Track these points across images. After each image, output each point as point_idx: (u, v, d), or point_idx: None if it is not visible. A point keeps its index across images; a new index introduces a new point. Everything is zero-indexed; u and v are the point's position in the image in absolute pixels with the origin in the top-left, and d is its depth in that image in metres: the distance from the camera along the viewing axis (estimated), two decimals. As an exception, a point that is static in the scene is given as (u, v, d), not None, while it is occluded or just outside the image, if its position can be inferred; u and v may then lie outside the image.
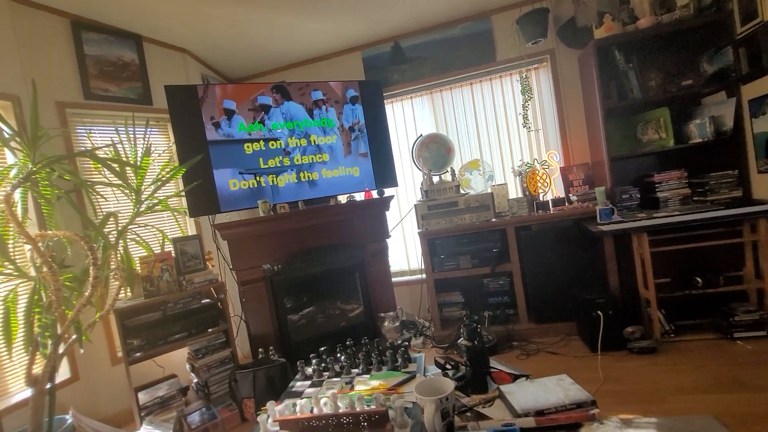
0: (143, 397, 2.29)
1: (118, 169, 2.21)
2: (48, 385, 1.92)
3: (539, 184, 2.95)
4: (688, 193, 2.66)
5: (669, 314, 2.49)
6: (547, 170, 2.97)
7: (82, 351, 2.19)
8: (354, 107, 3.02)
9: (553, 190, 3.00)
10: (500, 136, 3.30)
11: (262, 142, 2.74)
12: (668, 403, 1.85)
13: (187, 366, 2.57)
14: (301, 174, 2.85)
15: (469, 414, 1.10)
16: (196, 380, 2.49)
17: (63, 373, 2.32)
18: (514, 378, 1.25)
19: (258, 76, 3.69)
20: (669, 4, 2.64)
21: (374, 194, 2.93)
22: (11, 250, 1.93)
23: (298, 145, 2.84)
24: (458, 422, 1.05)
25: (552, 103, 3.16)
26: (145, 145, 2.38)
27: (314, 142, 2.89)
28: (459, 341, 1.28)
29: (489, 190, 3.01)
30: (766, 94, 2.30)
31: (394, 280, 3.11)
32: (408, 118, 3.50)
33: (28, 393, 1.98)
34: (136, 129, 2.41)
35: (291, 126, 2.83)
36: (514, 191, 3.17)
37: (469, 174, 3.15)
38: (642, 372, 2.17)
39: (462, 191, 3.02)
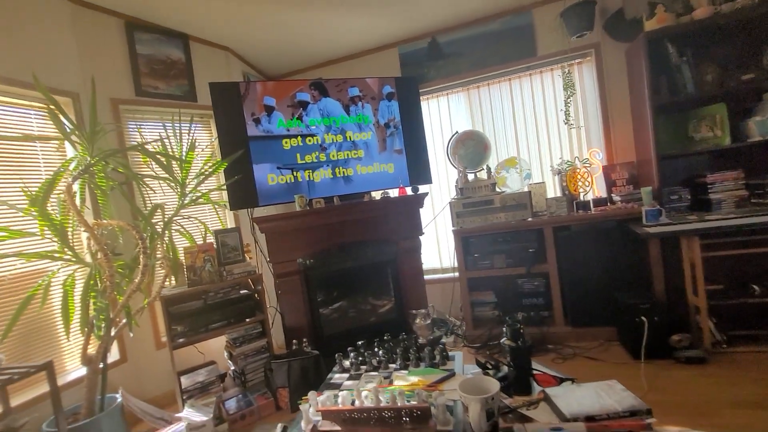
0: (185, 381, 2.40)
1: (165, 162, 2.32)
2: (101, 365, 2.05)
3: (580, 183, 2.85)
4: (745, 195, 2.48)
5: (721, 323, 2.34)
6: (588, 169, 2.86)
7: (131, 335, 2.32)
8: (390, 103, 3.01)
9: (594, 189, 2.89)
10: (539, 133, 3.21)
11: (299, 138, 2.79)
12: (722, 417, 1.75)
13: (226, 353, 2.67)
14: (337, 170, 2.88)
15: (511, 416, 1.08)
16: (233, 367, 2.58)
17: (113, 354, 2.46)
18: (560, 381, 1.21)
19: (296, 73, 3.75)
20: (729, -7, 2.47)
21: (408, 191, 2.92)
22: (70, 237, 2.06)
23: (334, 141, 2.87)
24: (501, 423, 1.03)
25: (595, 99, 3.04)
26: (189, 140, 2.48)
27: (350, 138, 2.91)
28: (502, 341, 1.25)
29: (526, 189, 2.93)
30: (840, 88, 2.11)
31: (426, 277, 3.09)
32: (444, 115, 3.46)
33: (82, 372, 2.11)
34: (182, 125, 2.52)
35: (328, 122, 2.86)
36: (553, 190, 3.07)
37: (506, 172, 3.08)
38: (690, 383, 2.06)
39: (498, 189, 2.96)
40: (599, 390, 1.09)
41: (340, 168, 2.89)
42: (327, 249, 2.76)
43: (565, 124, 3.05)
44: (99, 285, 2.07)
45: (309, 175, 2.81)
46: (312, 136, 2.82)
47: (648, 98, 2.57)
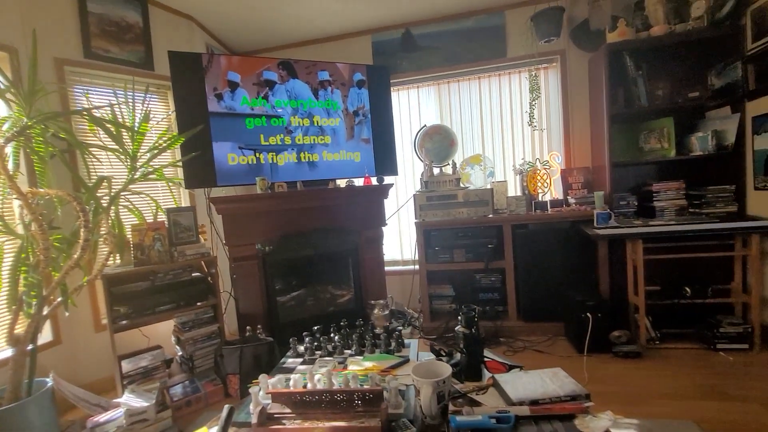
0: (126, 365, 2.26)
1: (114, 131, 2.15)
2: (30, 347, 1.88)
3: (539, 184, 2.96)
4: (684, 205, 2.69)
5: (655, 321, 2.52)
6: (547, 171, 2.98)
7: (67, 314, 2.15)
8: (360, 91, 2.97)
9: (552, 191, 3.01)
10: (504, 133, 3.30)
11: (264, 118, 2.69)
12: (650, 406, 1.89)
13: (173, 338, 2.54)
14: (302, 154, 2.81)
15: (461, 400, 1.10)
16: (180, 353, 2.46)
17: (45, 335, 2.27)
18: (509, 368, 1.25)
19: (263, 52, 3.61)
20: (683, 14, 2.64)
21: (374, 181, 2.91)
22: (-1, 205, 1.87)
23: (301, 124, 2.80)
24: (452, 407, 1.05)
25: (558, 104, 3.16)
26: (144, 111, 2.32)
27: (317, 123, 2.84)
28: (456, 328, 1.27)
29: (489, 186, 3.01)
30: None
31: (386, 269, 3.10)
32: (413, 107, 3.47)
33: (9, 353, 1.93)
34: (136, 94, 2.35)
35: (295, 104, 2.78)
36: (514, 189, 3.17)
37: (470, 168, 3.15)
38: (626, 375, 2.21)
39: (462, 185, 3.01)
40: (544, 377, 1.13)
41: (306, 153, 2.82)
42: (287, 235, 2.69)
43: (529, 125, 3.15)
44: (31, 259, 1.90)
45: (272, 158, 2.72)
46: (277, 117, 2.72)
47: (606, 107, 2.71)
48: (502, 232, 2.83)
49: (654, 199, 2.72)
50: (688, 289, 2.48)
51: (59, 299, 1.98)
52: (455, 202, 2.90)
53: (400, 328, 1.71)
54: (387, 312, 2.80)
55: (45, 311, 1.91)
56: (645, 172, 2.93)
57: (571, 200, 2.93)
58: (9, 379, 1.81)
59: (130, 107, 2.29)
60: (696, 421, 1.74)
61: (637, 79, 2.71)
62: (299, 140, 2.79)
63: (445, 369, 1.05)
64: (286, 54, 3.51)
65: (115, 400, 2.04)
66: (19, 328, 1.88)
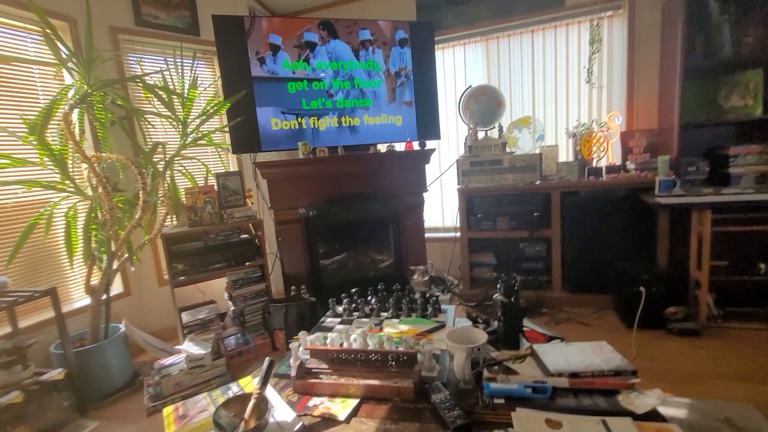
0: (186, 317, 2.48)
1: (165, 98, 2.24)
2: (104, 297, 2.11)
3: (594, 148, 2.73)
4: (766, 171, 2.37)
5: (719, 299, 2.32)
6: (605, 134, 2.73)
7: (132, 269, 2.37)
8: (402, 50, 2.84)
9: (609, 155, 2.78)
10: (557, 92, 3.04)
11: (305, 82, 2.67)
12: (705, 387, 1.78)
13: (226, 294, 2.74)
14: (343, 119, 2.78)
15: (497, 368, 1.09)
16: (233, 308, 2.65)
17: (116, 287, 2.54)
18: (549, 339, 1.21)
19: (304, 12, 3.53)
20: (790, -59, 2.20)
21: (415, 146, 2.84)
22: (70, 169, 2.04)
23: (342, 87, 2.75)
24: (486, 374, 1.04)
25: (623, 58, 2.83)
26: (192, 77, 2.38)
27: (358, 86, 2.78)
28: (495, 296, 1.24)
29: (537, 151, 2.83)
30: None
31: (427, 235, 3.08)
32: (459, 67, 3.28)
33: (87, 301, 2.18)
34: (184, 60, 2.41)
35: (336, 67, 2.72)
36: (565, 154, 2.96)
37: (518, 132, 2.96)
38: (679, 353, 2.08)
39: (508, 150, 2.85)
40: (587, 349, 1.08)
41: (347, 117, 2.79)
42: (329, 199, 2.73)
43: (587, 83, 2.87)
44: (100, 218, 2.09)
45: (314, 123, 2.72)
46: (318, 80, 2.69)
47: (680, 58, 2.39)
48: (550, 199, 2.68)
49: (730, 164, 2.42)
50: (762, 266, 2.24)
51: (125, 255, 2.18)
52: (500, 167, 2.77)
53: (438, 294, 1.71)
54: (427, 278, 2.81)
55: (114, 266, 2.12)
56: (721, 134, 2.59)
57: (631, 166, 2.68)
58: (89, 324, 2.06)
59: (180, 73, 2.36)
60: (757, 405, 1.63)
61: (722, 25, 2.35)
62: (340, 104, 2.76)
63: (481, 336, 1.03)
64: (328, 14, 3.41)
65: (177, 347, 2.26)
66: (94, 280, 2.11)
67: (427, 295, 1.64)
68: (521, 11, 2.97)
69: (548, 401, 0.93)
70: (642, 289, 2.27)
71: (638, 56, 2.77)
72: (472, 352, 0.99)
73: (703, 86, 2.55)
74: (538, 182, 2.72)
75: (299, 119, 2.68)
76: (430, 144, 2.92)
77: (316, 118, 2.72)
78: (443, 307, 1.55)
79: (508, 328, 1.20)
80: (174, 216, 2.52)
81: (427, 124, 2.94)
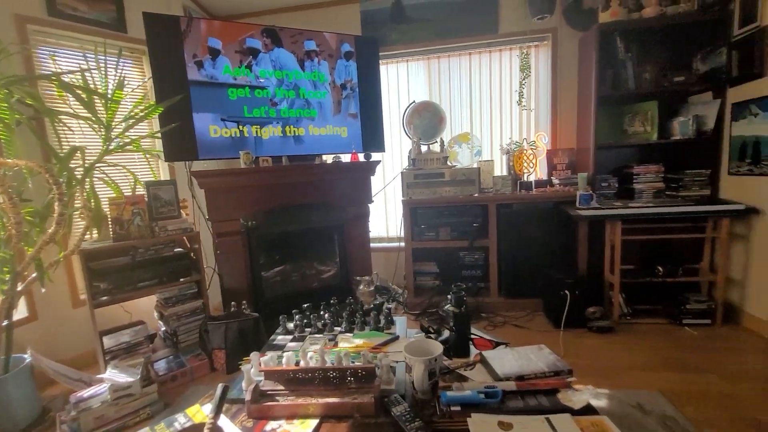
0: (108, 341, 2.22)
1: (85, 98, 2.03)
2: (5, 322, 1.82)
3: (525, 164, 2.99)
4: (662, 187, 2.77)
5: (628, 298, 2.65)
6: (534, 151, 3.00)
7: (43, 290, 2.08)
8: (348, 64, 2.88)
9: (537, 171, 3.05)
10: (492, 111, 3.28)
11: (247, 89, 2.57)
12: (621, 378, 2.01)
13: (156, 314, 2.51)
14: (287, 128, 2.72)
15: (449, 376, 1.13)
16: (164, 328, 2.44)
17: (20, 311, 2.20)
18: (495, 345, 1.30)
19: (245, 17, 3.42)
20: (675, -4, 2.63)
21: (361, 157, 2.87)
22: (-37, 175, 1.75)
23: (286, 96, 2.70)
24: (441, 383, 1.08)
25: (547, 84, 3.15)
26: (118, 77, 2.18)
27: (303, 96, 2.75)
28: (446, 307, 1.30)
29: (476, 165, 3.02)
30: (750, 99, 2.38)
31: (372, 245, 3.11)
32: (402, 82, 3.39)
33: (-19, 329, 1.86)
34: (108, 58, 2.20)
35: (280, 75, 2.67)
36: (500, 169, 3.19)
37: (458, 147, 3.14)
38: (599, 349, 2.33)
39: (449, 163, 3.00)
40: (529, 353, 1.18)
41: (291, 127, 2.74)
42: (272, 210, 2.65)
43: (518, 105, 3.14)
44: (2, 233, 1.81)
45: (257, 131, 2.63)
46: (262, 88, 2.62)
47: (594, 89, 2.72)
48: (487, 211, 2.86)
49: (634, 181, 2.79)
50: (660, 268, 2.60)
51: (34, 275, 1.91)
52: (442, 180, 2.90)
53: (390, 306, 1.73)
54: (372, 288, 2.83)
55: (19, 287, 1.85)
56: (627, 155, 2.99)
57: (555, 181, 2.97)
58: (-16, 356, 1.76)
59: (103, 73, 2.15)
60: (661, 391, 1.88)
61: (626, 62, 2.72)
62: (284, 113, 2.70)
63: (437, 347, 1.07)
64: (270, 20, 3.34)
65: (98, 376, 2.02)
66: (-7, 305, 1.81)
67: (378, 304, 1.66)
68: (459, 34, 3.17)
69: (499, 404, 1.00)
70: (566, 292, 2.51)
71: (560, 83, 3.10)
72: (430, 363, 1.02)
73: (612, 113, 2.92)
74: (476, 195, 2.89)
75: (240, 127, 2.58)
76: (375, 156, 2.98)
77: (258, 126, 2.63)
78: (395, 318, 1.58)
79: (459, 337, 1.27)
80: (95, 229, 2.26)
81: (373, 137, 2.99)
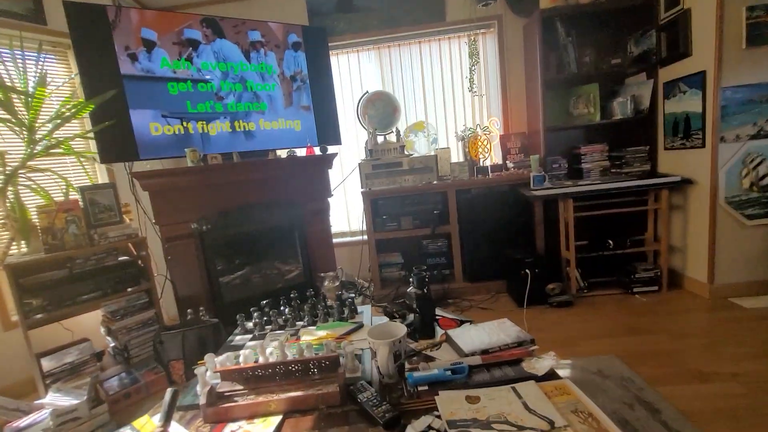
0: (48, 363, 2.02)
1: (1, 97, 1.82)
2: None
3: (480, 150, 3.04)
4: (607, 165, 2.92)
5: (584, 273, 2.77)
6: (488, 136, 3.06)
7: (-38, 313, 1.85)
8: (296, 54, 2.79)
9: (492, 156, 3.12)
10: (446, 99, 3.31)
11: (189, 83, 2.42)
12: (581, 347, 2.10)
13: (102, 329, 2.31)
14: (236, 123, 2.60)
15: (416, 357, 1.12)
16: (113, 344, 2.25)
17: (-64, 340, 1.95)
18: (459, 323, 1.30)
19: (182, 7, 3.22)
20: (608, -18, 2.77)
21: (316, 151, 2.80)
22: None
23: (233, 90, 2.57)
24: (408, 365, 1.06)
25: (497, 71, 3.22)
26: (39, 73, 1.98)
27: (251, 89, 2.63)
28: (408, 290, 1.28)
29: (433, 153, 3.03)
30: (679, 77, 2.55)
31: (334, 240, 3.05)
32: (354, 72, 3.34)
33: None
34: (27, 53, 2.00)
35: (224, 68, 2.54)
36: (457, 155, 3.23)
37: (414, 136, 3.14)
38: (560, 322, 2.42)
39: (406, 152, 3.00)
40: (492, 327, 1.18)
41: (240, 121, 2.61)
42: (226, 211, 2.52)
43: (470, 91, 3.19)
44: None
45: (203, 127, 2.49)
46: (205, 82, 2.47)
47: (540, 73, 2.81)
48: (447, 197, 2.89)
49: (582, 161, 2.92)
50: (610, 242, 2.74)
51: (-50, 296, 1.69)
52: (400, 169, 2.89)
53: (352, 295, 1.70)
54: (338, 283, 2.78)
55: (-68, 311, 1.63)
56: (574, 136, 3.12)
57: (510, 164, 3.05)
58: None
59: (21, 68, 1.94)
60: (618, 355, 1.98)
61: (567, 46, 2.83)
62: (232, 107, 2.57)
63: (400, 329, 1.05)
64: (210, 10, 3.17)
65: (37, 402, 1.83)
66: None
67: (342, 298, 1.62)
68: (407, 23, 3.17)
69: (466, 380, 0.99)
70: (527, 272, 2.59)
71: (508, 69, 3.18)
72: (394, 346, 1.00)
73: (559, 96, 3.04)
74: (435, 182, 2.91)
75: (185, 123, 2.43)
76: (331, 149, 2.91)
77: (204, 122, 2.49)
78: (359, 308, 1.55)
79: (424, 318, 1.25)
80: (22, 241, 2.04)
81: (327, 129, 2.93)
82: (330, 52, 3.04)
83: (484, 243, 2.92)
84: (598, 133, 3.01)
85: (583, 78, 2.91)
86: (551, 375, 0.99)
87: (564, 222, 2.72)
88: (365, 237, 3.01)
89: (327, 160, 2.81)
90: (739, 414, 1.50)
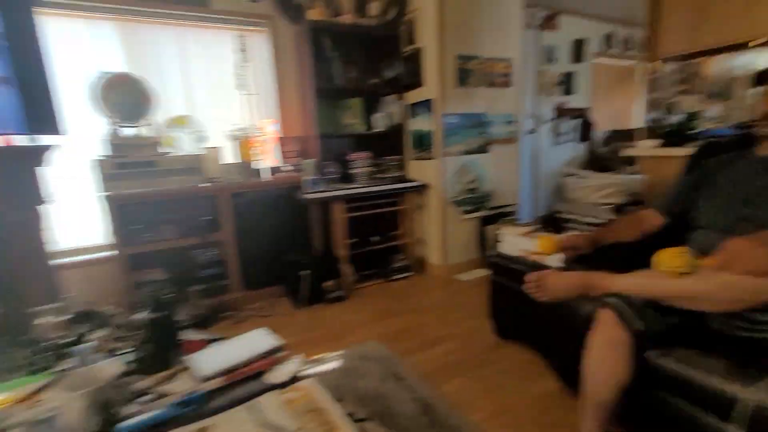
0: None
1: None
2: None
3: (255, 151, 2.92)
4: (372, 171, 3.31)
5: (358, 268, 3.06)
6: (263, 138, 2.97)
7: None
8: (-22, 2, 1.96)
9: (268, 158, 3.04)
10: (216, 94, 3.01)
11: None
12: (351, 338, 2.28)
13: None
14: None
15: (147, 397, 0.92)
16: None
17: None
18: (209, 342, 1.15)
19: None
20: (366, 10, 3.14)
21: (20, 141, 2.04)
22: None
23: None
24: (132, 410, 0.85)
25: (271, 72, 3.16)
26: None
27: None
28: (139, 316, 1.05)
29: (199, 152, 2.71)
30: (418, 101, 3.15)
31: (66, 260, 2.32)
32: (87, 46, 2.62)
33: None
34: None
35: None
36: (230, 156, 3.00)
37: (176, 131, 2.73)
38: (335, 317, 2.57)
39: (165, 150, 2.57)
40: (244, 341, 1.11)
41: None
42: None
43: (240, 89, 3.01)
44: None
45: None
46: None
47: (310, 81, 2.92)
48: (218, 202, 2.64)
49: (352, 166, 3.21)
50: (375, 238, 3.12)
51: None
52: (158, 170, 2.45)
53: (73, 338, 1.28)
54: (66, 318, 2.12)
55: None
56: (346, 143, 3.38)
57: (286, 167, 3.06)
58: None
59: None
60: (379, 338, 2.25)
61: (334, 60, 3.06)
62: None
63: (108, 371, 0.83)
64: None
65: None
66: None
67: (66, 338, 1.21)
68: None
69: (200, 409, 0.87)
70: (303, 273, 2.65)
71: (284, 72, 3.17)
72: (97, 395, 0.77)
73: (330, 105, 3.24)
74: (203, 185, 2.61)
75: None
76: (47, 139, 2.18)
77: None
78: (74, 348, 1.18)
79: (159, 346, 1.05)
80: None
81: (40, 112, 2.17)
82: (46, 12, 2.28)
83: (263, 248, 2.82)
84: (364, 142, 3.37)
85: (349, 91, 3.20)
86: (296, 379, 0.98)
87: (337, 222, 2.92)
88: (113, 252, 2.42)
89: (36, 154, 2.08)
90: (456, 363, 1.93)
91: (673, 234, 1.31)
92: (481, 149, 3.25)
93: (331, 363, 1.92)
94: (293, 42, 3.16)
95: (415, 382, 1.74)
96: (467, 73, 3.06)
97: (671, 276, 0.99)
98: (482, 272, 3.12)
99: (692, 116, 2.74)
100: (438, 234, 3.18)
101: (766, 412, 0.87)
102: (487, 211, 3.31)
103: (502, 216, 3.29)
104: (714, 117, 2.69)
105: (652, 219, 1.39)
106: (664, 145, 2.49)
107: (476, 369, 1.88)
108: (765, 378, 0.90)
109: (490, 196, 3.36)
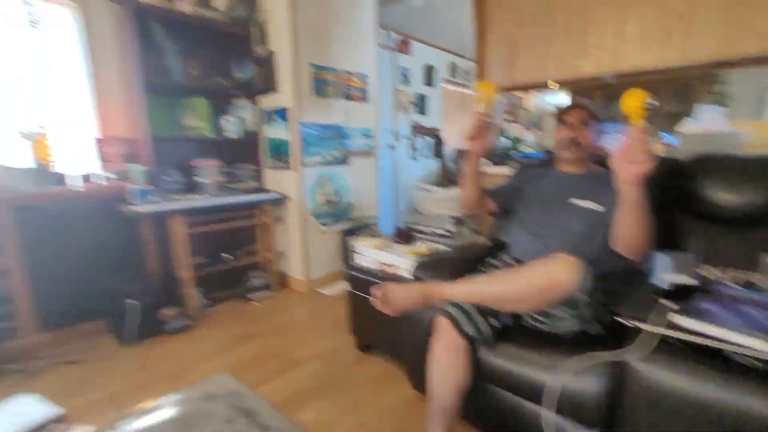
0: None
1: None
2: None
3: (56, 154, 2.30)
4: (222, 181, 2.97)
5: (207, 290, 2.69)
6: (69, 137, 2.37)
7: None
8: None
9: (78, 162, 2.44)
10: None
11: None
12: (194, 374, 1.96)
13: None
14: None
15: None
16: None
17: None
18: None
19: None
20: (211, 2, 2.83)
21: None
22: None
23: None
24: None
25: (81, 58, 2.55)
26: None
27: None
28: None
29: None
30: (273, 108, 2.97)
31: None
32: None
33: None
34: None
35: None
36: (16, 158, 2.29)
37: None
38: (177, 351, 2.19)
39: None
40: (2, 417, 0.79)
41: None
42: None
43: (35, 75, 2.35)
44: None
45: None
46: None
47: (138, 74, 2.46)
48: (-3, 219, 1.98)
49: (197, 175, 2.83)
50: (226, 255, 2.81)
51: None
52: None
53: None
54: None
55: None
56: (188, 149, 2.95)
57: (109, 174, 2.50)
58: None
59: None
60: (230, 370, 1.99)
61: (171, 53, 2.65)
62: None
63: None
64: None
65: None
66: None
67: None
68: None
69: None
70: (133, 301, 2.19)
71: (100, 60, 2.58)
72: None
73: (166, 103, 2.79)
74: (-30, 197, 1.92)
75: None
76: None
77: None
78: None
79: None
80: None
81: None
82: None
83: (72, 276, 2.23)
84: (212, 148, 3.01)
85: (191, 90, 2.82)
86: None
87: (178, 239, 2.52)
88: None
89: None
90: (316, 385, 1.84)
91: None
92: (341, 161, 3.26)
93: (156, 414, 1.61)
94: (113, 23, 2.60)
95: (268, 416, 1.59)
96: (324, 83, 3.03)
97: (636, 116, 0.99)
98: (346, 285, 3.11)
99: (516, 141, 3.30)
100: (299, 248, 3.05)
101: (570, 393, 1.03)
102: (348, 223, 3.33)
103: (363, 228, 3.36)
104: (531, 143, 3.27)
105: (490, 203, 1.65)
106: (494, 164, 2.90)
107: (336, 388, 1.82)
108: (565, 364, 1.07)
109: (352, 208, 3.40)
